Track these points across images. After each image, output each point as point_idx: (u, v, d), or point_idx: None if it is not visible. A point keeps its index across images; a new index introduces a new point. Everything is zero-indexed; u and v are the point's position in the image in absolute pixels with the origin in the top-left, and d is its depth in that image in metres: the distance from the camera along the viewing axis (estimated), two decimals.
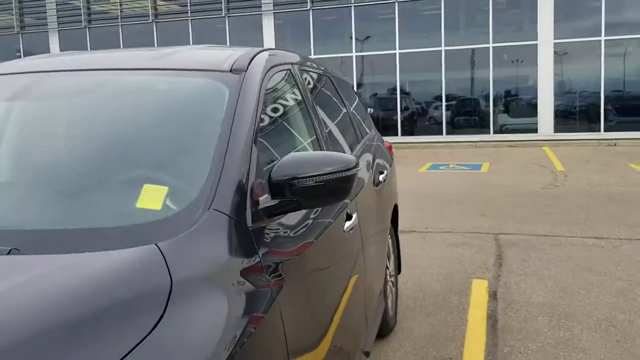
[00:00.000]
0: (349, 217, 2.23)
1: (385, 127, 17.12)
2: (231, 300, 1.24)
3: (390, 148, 4.28)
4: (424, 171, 11.50)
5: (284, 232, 1.62)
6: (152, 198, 1.39)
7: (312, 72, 2.82)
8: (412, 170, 11.36)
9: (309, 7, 17.76)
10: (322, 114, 2.53)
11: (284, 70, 2.25)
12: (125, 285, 1.09)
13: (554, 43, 16.30)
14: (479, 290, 4.35)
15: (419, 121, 18.09)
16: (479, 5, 16.77)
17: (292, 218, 1.68)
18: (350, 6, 17.53)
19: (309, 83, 2.60)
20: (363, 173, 2.82)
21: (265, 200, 1.53)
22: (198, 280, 1.20)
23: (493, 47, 16.82)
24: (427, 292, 4.36)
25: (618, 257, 5.10)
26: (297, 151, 2.06)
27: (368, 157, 3.22)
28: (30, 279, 1.09)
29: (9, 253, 1.19)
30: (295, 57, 2.57)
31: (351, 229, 2.25)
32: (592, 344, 3.38)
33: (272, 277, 1.43)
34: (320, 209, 1.88)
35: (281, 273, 1.48)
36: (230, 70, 1.86)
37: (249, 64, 1.92)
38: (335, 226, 2.03)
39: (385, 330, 3.48)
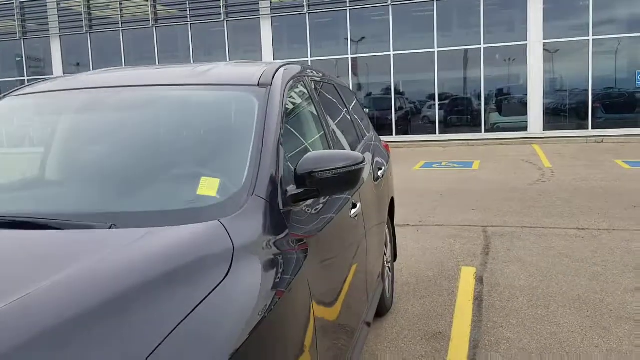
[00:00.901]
0: (354, 206, 2.69)
1: (380, 126, 17.60)
2: (271, 260, 1.69)
3: (387, 147, 4.74)
4: (418, 169, 11.97)
5: (307, 214, 2.07)
6: (209, 187, 1.84)
7: (320, 81, 3.28)
8: (406, 168, 11.83)
9: (305, 11, 18.21)
10: (329, 116, 2.99)
11: (299, 81, 2.71)
12: (203, 247, 1.54)
13: (544, 43, 16.81)
14: (467, 276, 4.82)
15: (412, 121, 18.58)
16: (471, 7, 17.26)
17: (312, 204, 2.14)
18: (346, 10, 18.00)
19: (317, 90, 3.06)
20: (365, 169, 3.28)
21: (292, 189, 1.98)
22: (250, 245, 1.64)
23: (484, 47, 17.31)
24: (421, 278, 4.82)
25: (596, 246, 5.57)
26: (311, 149, 2.51)
27: (368, 155, 3.67)
28: (133, 243, 1.53)
29: (109, 228, 1.65)
30: (306, 69, 3.03)
31: (356, 215, 2.71)
32: (565, 319, 3.85)
33: (298, 247, 1.88)
34: (333, 197, 2.34)
35: (305, 244, 1.93)
36: (258, 85, 2.31)
37: (273, 78, 2.38)
38: (344, 212, 2.49)
39: (383, 309, 3.94)
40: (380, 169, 3.84)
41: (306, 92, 2.80)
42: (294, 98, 2.58)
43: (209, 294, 1.37)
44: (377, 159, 3.89)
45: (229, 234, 1.60)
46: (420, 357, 3.38)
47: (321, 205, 2.23)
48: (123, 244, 1.52)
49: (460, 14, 18.00)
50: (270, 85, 2.31)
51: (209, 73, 2.52)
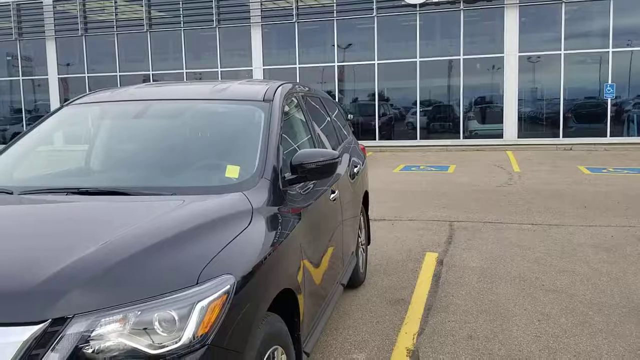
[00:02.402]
0: (333, 192, 3.55)
1: (364, 131, 18.52)
2: (276, 220, 2.53)
3: (363, 149, 5.60)
4: (397, 172, 12.87)
5: (299, 194, 2.92)
6: (232, 172, 2.69)
7: (309, 95, 4.13)
8: (387, 171, 12.72)
9: (294, 20, 19.08)
10: (314, 123, 3.85)
11: (293, 96, 3.57)
12: (233, 207, 2.37)
13: (519, 56, 17.83)
14: (430, 260, 5.68)
15: (395, 126, 19.52)
16: (452, 20, 18.24)
17: (303, 187, 2.98)
18: (333, 19, 18.89)
19: (306, 102, 3.91)
20: (343, 166, 4.13)
21: (288, 175, 2.82)
22: (262, 209, 2.47)
23: (464, 58, 18.30)
24: (390, 260, 5.68)
25: (543, 237, 6.47)
26: (301, 148, 3.36)
27: (346, 155, 4.52)
28: (192, 203, 2.36)
29: (172, 194, 2.49)
30: (299, 87, 3.89)
31: (334, 200, 3.57)
32: (504, 290, 4.73)
33: (294, 214, 2.73)
34: (318, 183, 3.20)
35: (298, 213, 2.78)
36: (263, 100, 3.16)
37: (274, 95, 3.22)
38: (325, 195, 3.35)
39: (357, 282, 4.79)
40: (356, 166, 4.70)
41: (297, 104, 3.65)
42: (288, 109, 3.43)
43: (240, 233, 2.22)
44: (353, 158, 4.75)
45: (249, 201, 2.45)
46: (384, 315, 4.23)
47: (309, 189, 3.08)
48: (185, 203, 2.36)
49: (442, 26, 19.01)
50: (272, 100, 3.16)
51: (227, 90, 3.37)
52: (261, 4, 19.40)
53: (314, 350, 3.19)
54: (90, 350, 1.65)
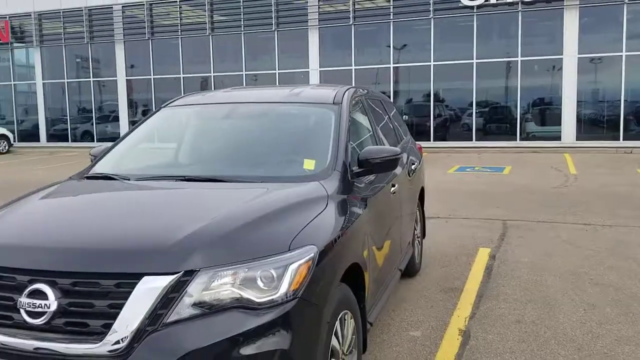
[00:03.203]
0: (393, 185, 3.94)
1: (419, 132, 18.72)
2: (346, 205, 2.95)
3: (420, 148, 5.96)
4: (452, 172, 13.09)
5: (365, 185, 3.33)
6: (309, 164, 3.13)
7: (370, 98, 4.54)
8: (441, 171, 12.97)
9: (351, 23, 19.51)
10: (377, 123, 4.26)
11: (358, 99, 3.99)
12: (312, 193, 2.81)
13: (578, 57, 17.66)
14: (483, 254, 5.98)
15: (450, 128, 19.66)
16: (510, 21, 18.24)
17: (368, 179, 3.39)
18: (389, 22, 19.21)
19: (369, 105, 4.32)
20: (401, 162, 4.52)
21: (355, 168, 3.23)
22: (334, 195, 2.89)
23: (521, 60, 18.26)
24: (444, 254, 6.01)
25: (595, 237, 6.65)
26: (364, 146, 3.77)
27: (404, 154, 4.90)
28: (276, 190, 2.81)
29: (261, 182, 2.96)
30: (361, 90, 4.30)
31: (394, 192, 3.96)
32: (553, 283, 4.99)
33: (361, 201, 3.15)
34: (380, 178, 3.60)
35: (365, 202, 3.19)
36: (333, 103, 3.59)
37: (342, 98, 3.65)
38: (386, 188, 3.75)
39: (413, 272, 5.16)
40: (413, 164, 5.07)
41: (362, 106, 4.06)
42: (354, 111, 3.85)
43: (319, 214, 2.66)
44: (411, 157, 5.12)
45: (324, 188, 2.89)
46: (437, 301, 4.59)
47: (373, 183, 3.50)
48: (274, 189, 2.83)
49: (500, 27, 19.01)
50: (341, 103, 3.59)
51: (302, 94, 3.84)
52: (318, 8, 19.92)
53: (374, 325, 3.60)
54: (210, 297, 2.12)
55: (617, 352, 3.64)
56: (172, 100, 4.03)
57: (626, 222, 7.34)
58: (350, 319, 2.74)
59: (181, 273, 2.12)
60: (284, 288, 2.18)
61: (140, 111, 23.34)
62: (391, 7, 19.15)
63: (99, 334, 2.07)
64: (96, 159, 3.62)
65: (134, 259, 2.17)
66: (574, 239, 6.55)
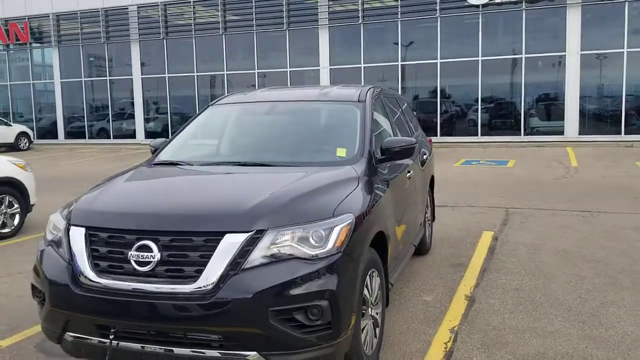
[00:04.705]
0: (409, 172, 4.58)
1: (426, 128, 19.13)
2: (372, 185, 3.57)
3: (430, 141, 6.59)
4: (458, 165, 13.70)
5: (387, 169, 3.97)
6: (341, 152, 3.77)
7: (387, 96, 5.17)
8: (448, 165, 13.59)
9: (360, 22, 20.12)
10: (392, 117, 4.89)
11: (377, 96, 4.62)
12: (346, 175, 3.44)
13: (581, 54, 18.19)
14: (486, 236, 6.61)
15: (456, 123, 20.24)
16: (514, 19, 18.79)
17: (389, 164, 4.03)
18: (397, 21, 19.81)
19: (386, 102, 4.96)
20: (415, 153, 5.15)
21: (378, 156, 3.87)
22: (363, 176, 3.51)
23: (525, 57, 18.81)
24: (451, 237, 6.65)
25: (592, 222, 7.26)
26: (384, 137, 4.40)
27: (417, 146, 5.53)
28: (318, 172, 3.45)
29: (303, 166, 3.61)
30: (379, 89, 4.94)
31: (409, 177, 4.60)
32: (549, 260, 5.61)
33: (384, 181, 3.79)
34: (397, 165, 4.24)
35: (387, 183, 3.84)
36: (358, 101, 4.24)
37: (366, 96, 4.29)
38: (404, 174, 4.40)
39: (423, 250, 5.80)
40: (424, 154, 5.71)
41: (381, 103, 4.70)
42: (376, 107, 4.49)
43: (353, 190, 3.30)
44: (422, 149, 5.75)
45: (355, 171, 3.54)
46: (446, 274, 5.23)
47: (394, 167, 4.14)
48: (315, 171, 3.48)
49: (504, 25, 19.56)
50: (365, 101, 4.23)
51: (330, 93, 4.49)
52: (328, 7, 20.54)
53: (392, 290, 4.24)
54: (275, 250, 2.76)
55: (602, 313, 4.26)
56: (216, 100, 4.67)
57: (621, 209, 7.94)
58: (377, 276, 3.38)
59: (254, 231, 2.76)
60: (330, 244, 2.82)
61: (154, 108, 24.06)
62: (399, 6, 19.75)
63: (193, 277, 2.73)
64: (157, 150, 4.27)
65: (219, 221, 2.83)
66: (571, 224, 7.16)
